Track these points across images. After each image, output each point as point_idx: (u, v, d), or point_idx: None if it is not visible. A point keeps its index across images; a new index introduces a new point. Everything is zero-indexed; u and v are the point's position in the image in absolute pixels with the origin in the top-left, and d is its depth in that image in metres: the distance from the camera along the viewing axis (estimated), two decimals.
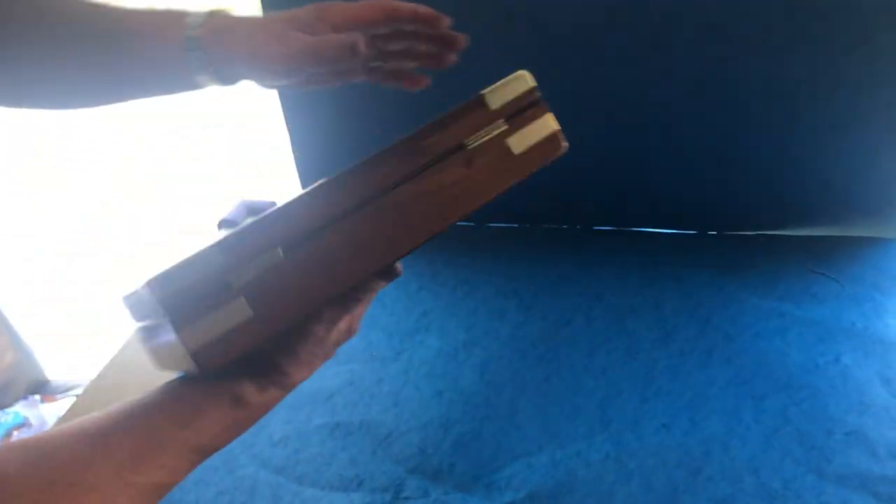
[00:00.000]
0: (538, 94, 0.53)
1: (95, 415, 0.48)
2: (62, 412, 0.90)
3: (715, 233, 1.02)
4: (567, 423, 0.76)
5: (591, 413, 0.78)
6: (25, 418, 1.64)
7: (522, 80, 0.53)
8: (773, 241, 0.99)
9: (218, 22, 0.61)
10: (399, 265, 0.52)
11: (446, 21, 0.62)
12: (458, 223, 0.51)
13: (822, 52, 0.84)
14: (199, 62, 0.61)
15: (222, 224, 1.30)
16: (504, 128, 0.52)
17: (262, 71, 0.61)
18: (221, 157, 2.59)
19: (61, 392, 1.75)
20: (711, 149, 0.96)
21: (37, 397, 1.71)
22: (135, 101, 0.67)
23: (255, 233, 0.47)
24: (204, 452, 0.50)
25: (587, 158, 1.01)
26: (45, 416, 1.65)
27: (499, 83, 0.52)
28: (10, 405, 1.68)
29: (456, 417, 0.79)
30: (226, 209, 1.34)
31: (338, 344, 0.53)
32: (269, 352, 0.50)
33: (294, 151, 1.07)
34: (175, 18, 0.61)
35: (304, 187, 1.15)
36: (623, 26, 0.88)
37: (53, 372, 1.85)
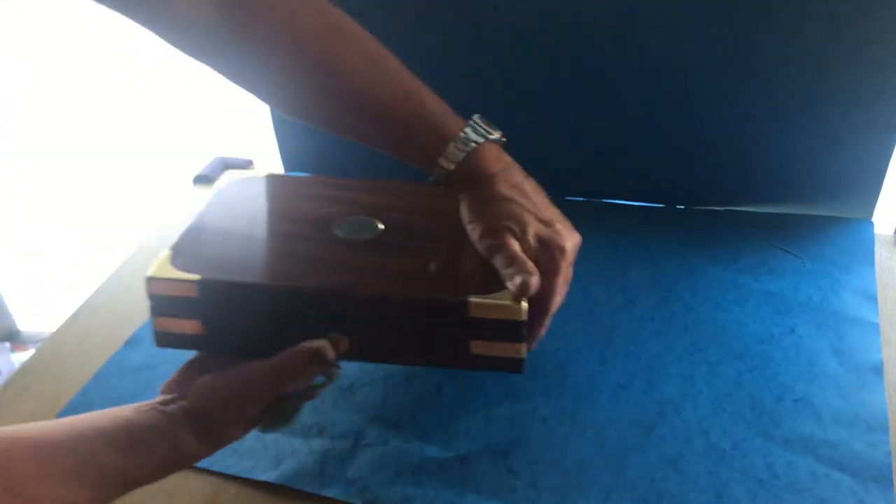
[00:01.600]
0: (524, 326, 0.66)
1: (52, 425, 0.51)
2: None
3: (683, 206, 1.04)
4: (525, 381, 0.78)
5: (550, 372, 0.80)
6: None
7: (510, 309, 0.65)
8: (738, 217, 1.01)
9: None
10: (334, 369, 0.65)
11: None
12: None
13: (790, 31, 0.86)
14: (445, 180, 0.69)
15: (198, 179, 1.30)
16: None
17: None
18: (198, 112, 2.57)
19: (32, 342, 1.75)
20: (683, 127, 0.97)
21: (7, 345, 1.71)
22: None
23: (222, 293, 0.64)
24: (132, 485, 0.53)
25: (561, 131, 1.02)
26: (15, 364, 1.65)
27: (490, 300, 0.65)
28: None
29: (418, 371, 0.81)
30: (202, 165, 1.34)
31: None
32: (211, 411, 0.56)
33: (271, 108, 1.07)
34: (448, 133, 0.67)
35: (279, 143, 1.15)
36: (593, 4, 0.89)
37: (24, 322, 1.85)
